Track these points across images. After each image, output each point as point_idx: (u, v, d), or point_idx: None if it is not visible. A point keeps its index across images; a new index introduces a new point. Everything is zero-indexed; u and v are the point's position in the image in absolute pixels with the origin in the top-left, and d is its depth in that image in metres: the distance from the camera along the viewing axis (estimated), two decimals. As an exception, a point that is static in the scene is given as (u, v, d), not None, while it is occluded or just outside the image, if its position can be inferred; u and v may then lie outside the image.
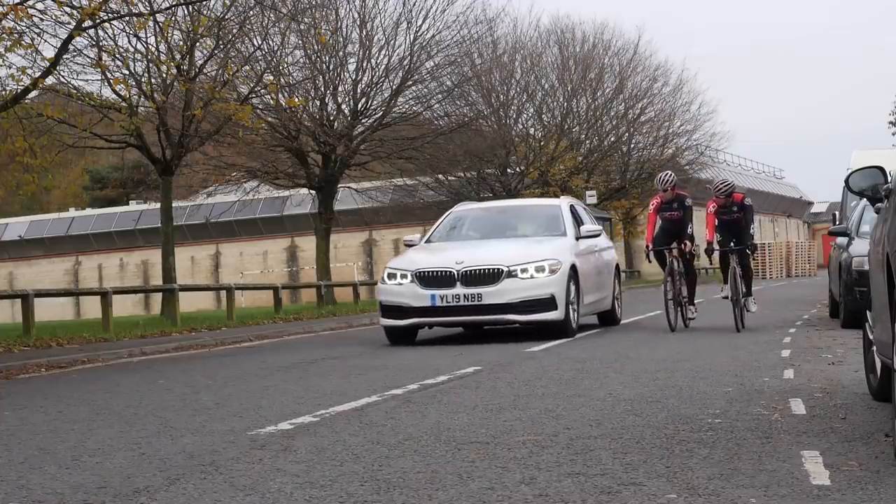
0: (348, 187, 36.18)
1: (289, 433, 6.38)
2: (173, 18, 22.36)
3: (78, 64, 21.41)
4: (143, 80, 22.71)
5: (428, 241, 15.49)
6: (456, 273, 13.79)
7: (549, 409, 7.11)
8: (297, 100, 27.52)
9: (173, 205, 26.13)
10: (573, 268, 14.37)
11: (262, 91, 27.55)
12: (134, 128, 21.96)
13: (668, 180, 15.43)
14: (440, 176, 41.55)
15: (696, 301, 15.71)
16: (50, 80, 19.24)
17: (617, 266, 17.35)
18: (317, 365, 11.43)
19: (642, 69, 48.98)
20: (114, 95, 22.36)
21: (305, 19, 28.01)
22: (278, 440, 6.12)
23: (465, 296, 13.70)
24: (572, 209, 16.28)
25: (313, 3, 29.27)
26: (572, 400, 7.54)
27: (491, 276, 13.75)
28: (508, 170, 43.93)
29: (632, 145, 49.69)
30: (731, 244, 14.98)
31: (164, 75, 23.15)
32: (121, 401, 8.61)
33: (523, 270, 13.85)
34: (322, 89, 31.24)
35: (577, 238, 15.35)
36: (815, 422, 6.30)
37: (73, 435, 6.71)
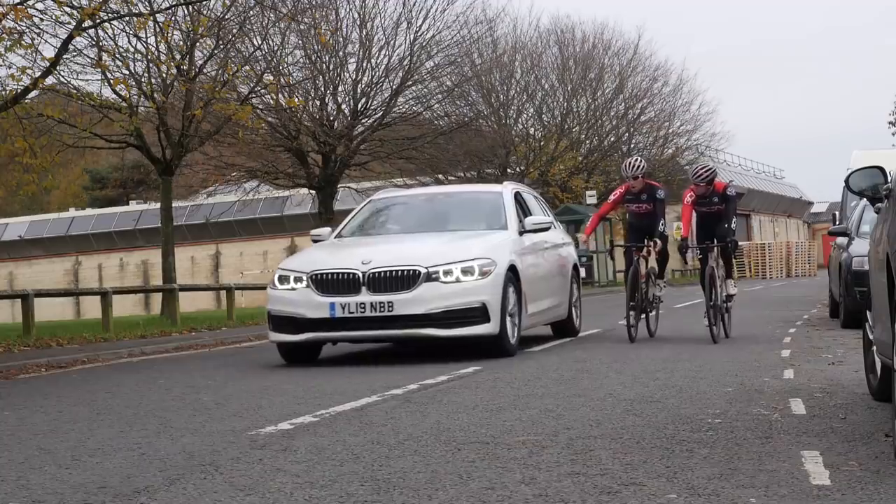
0: (348, 187, 36.18)
1: (289, 433, 6.38)
2: (173, 18, 22.35)
3: (78, 64, 21.41)
4: (143, 80, 22.70)
5: (339, 235, 12.81)
6: (361, 276, 11.02)
7: (549, 409, 7.11)
8: (297, 100, 27.51)
9: (173, 205, 26.12)
10: (513, 269, 11.64)
11: (262, 91, 27.53)
12: (134, 128, 21.97)
13: (637, 166, 13.33)
14: (440, 176, 41.51)
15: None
16: (50, 80, 19.23)
17: (575, 266, 14.70)
18: (318, 364, 11.43)
19: (642, 69, 48.98)
20: (114, 95, 22.35)
21: (305, 19, 27.98)
22: (278, 440, 6.12)
23: (372, 304, 10.93)
24: (517, 197, 13.46)
25: (313, 3, 29.26)
26: (572, 400, 7.54)
27: (405, 280, 10.99)
28: (508, 170, 43.92)
29: (632, 145, 49.65)
30: (714, 241, 13.11)
31: (164, 75, 23.14)
32: (121, 401, 8.61)
33: (447, 273, 11.07)
34: (322, 89, 31.23)
35: (521, 232, 12.61)
36: (815, 422, 6.31)
37: (73, 435, 6.71)
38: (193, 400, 8.41)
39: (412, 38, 32.34)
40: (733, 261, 13.62)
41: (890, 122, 70.19)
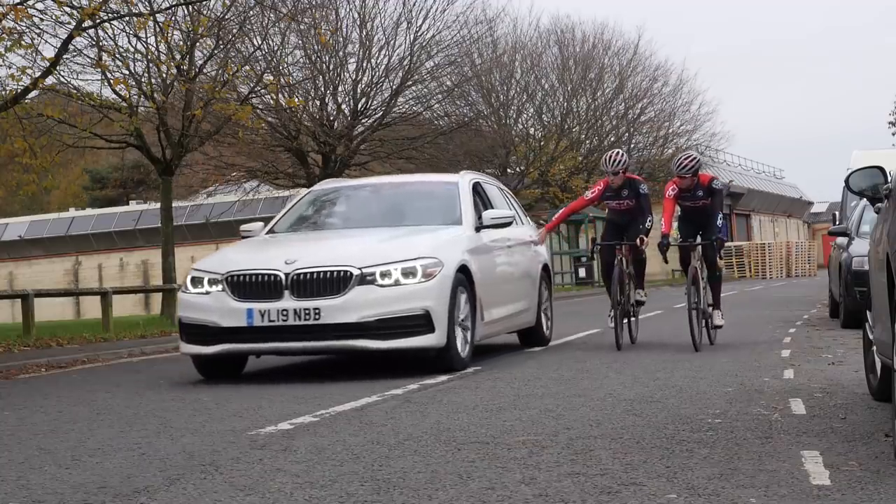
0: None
1: (289, 433, 6.38)
2: (173, 18, 22.35)
3: (78, 64, 21.41)
4: (143, 80, 22.69)
5: (271, 231, 11.40)
6: (283, 278, 9.55)
7: (549, 409, 7.11)
8: (297, 100, 27.51)
9: (173, 205, 26.12)
10: (464, 270, 10.17)
11: (262, 91, 27.52)
12: (134, 128, 21.96)
13: (618, 160, 12.21)
14: (440, 176, 41.53)
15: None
16: (50, 80, 19.23)
17: (545, 268, 13.11)
18: (317, 364, 11.43)
19: (642, 69, 48.96)
20: (114, 95, 22.34)
21: (305, 19, 27.98)
22: (278, 440, 6.12)
23: (295, 311, 9.45)
24: (476, 188, 11.97)
25: (313, 3, 29.25)
26: (572, 400, 7.54)
27: (334, 283, 9.51)
28: (508, 170, 43.93)
29: (632, 145, 49.62)
30: (697, 238, 12.03)
31: (164, 75, 23.14)
32: (121, 401, 8.61)
33: (384, 274, 9.58)
34: (322, 89, 31.23)
35: (478, 228, 11.11)
36: (815, 422, 6.31)
37: (73, 435, 6.71)
38: (193, 400, 8.41)
39: (412, 38, 32.34)
40: (719, 280, 12.33)
41: (890, 122, 70.23)
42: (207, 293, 9.85)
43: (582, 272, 45.44)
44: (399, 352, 9.75)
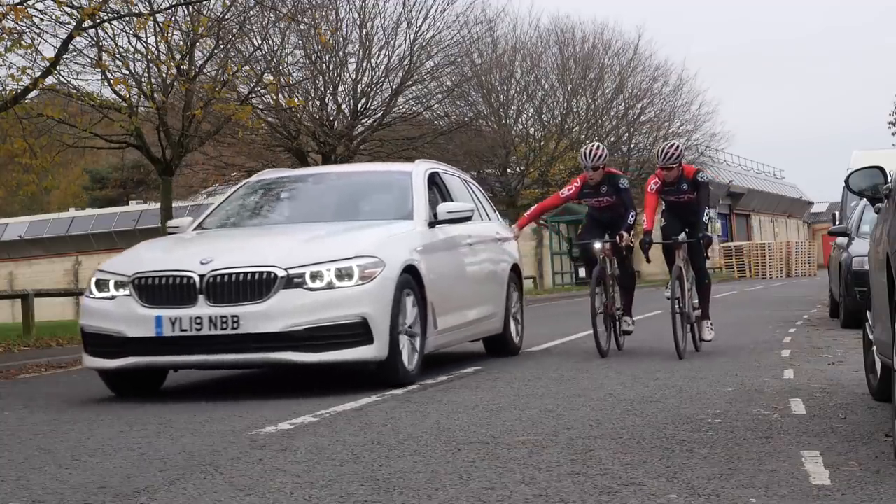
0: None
1: (289, 433, 6.38)
2: (173, 18, 22.36)
3: (78, 64, 21.42)
4: (143, 80, 22.70)
5: (200, 227, 10.15)
6: (198, 280, 8.27)
7: (549, 409, 7.11)
8: (297, 100, 27.51)
9: (173, 205, 26.12)
10: (412, 271, 8.96)
11: (262, 91, 27.53)
12: (134, 128, 21.96)
13: (598, 155, 11.23)
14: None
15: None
16: (50, 80, 19.23)
17: (515, 268, 11.77)
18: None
19: (642, 69, 48.95)
20: (114, 95, 22.35)
21: (305, 19, 27.99)
22: (278, 440, 6.12)
23: (211, 319, 8.17)
24: (434, 179, 10.74)
25: (313, 3, 29.25)
26: (572, 400, 7.54)
27: (256, 286, 8.24)
28: (508, 170, 43.94)
29: (632, 145, 49.63)
30: (683, 235, 11.11)
31: (164, 75, 23.13)
32: (121, 401, 8.61)
33: (315, 276, 8.32)
34: (322, 89, 31.24)
35: (432, 223, 9.91)
36: (815, 422, 6.31)
37: (73, 435, 6.71)
38: (193, 400, 8.41)
39: (412, 38, 32.34)
40: (708, 286, 11.39)
41: (890, 122, 70.29)
42: (112, 298, 8.58)
43: (582, 272, 45.42)
44: (332, 366, 8.60)
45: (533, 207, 12.44)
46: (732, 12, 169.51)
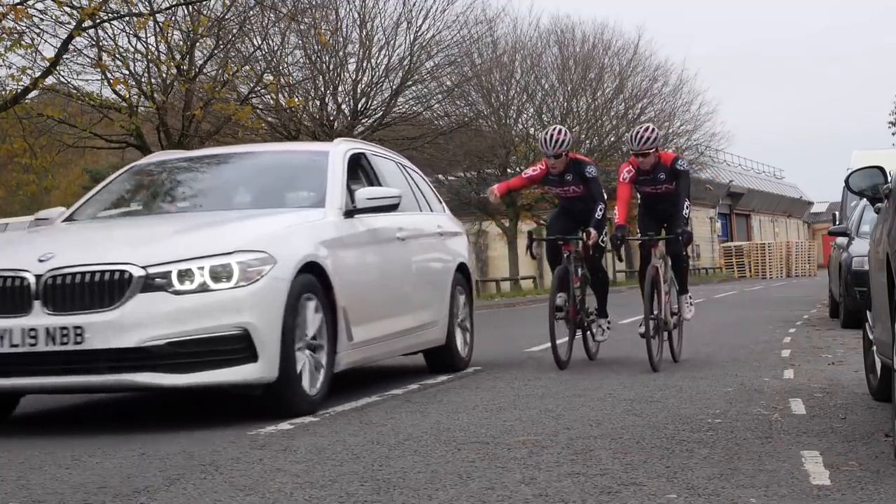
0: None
1: (289, 433, 6.38)
2: (173, 18, 22.38)
3: (78, 64, 21.47)
4: (143, 80, 22.72)
5: (70, 218, 8.43)
6: (33, 282, 6.59)
7: (549, 409, 7.11)
8: (297, 100, 27.53)
9: (173, 205, 26.10)
10: (315, 269, 7.25)
11: (262, 91, 27.56)
12: (134, 128, 21.99)
13: (559, 140, 9.89)
14: (440, 176, 41.53)
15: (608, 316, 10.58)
16: (50, 80, 19.27)
17: (461, 268, 10.04)
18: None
19: (642, 69, 48.97)
20: (114, 95, 22.38)
21: (305, 19, 28.01)
22: (278, 440, 6.12)
23: (49, 331, 6.49)
24: (359, 162, 8.97)
25: (313, 3, 29.27)
26: (572, 400, 7.54)
27: (105, 289, 6.56)
28: (508, 170, 43.94)
29: (632, 145, 49.64)
30: (662, 232, 9.99)
31: (164, 75, 23.16)
32: (121, 401, 8.61)
33: (183, 276, 6.63)
34: (322, 89, 31.25)
35: (348, 212, 8.13)
36: (815, 422, 6.31)
37: (73, 435, 6.70)
38: (194, 400, 8.41)
39: (412, 38, 32.37)
40: (686, 266, 10.35)
41: (890, 122, 70.21)
42: None
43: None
44: (206, 387, 6.78)
45: (503, 183, 10.94)
46: (732, 12, 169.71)
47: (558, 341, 9.72)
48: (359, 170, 8.90)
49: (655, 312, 9.56)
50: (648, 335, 9.35)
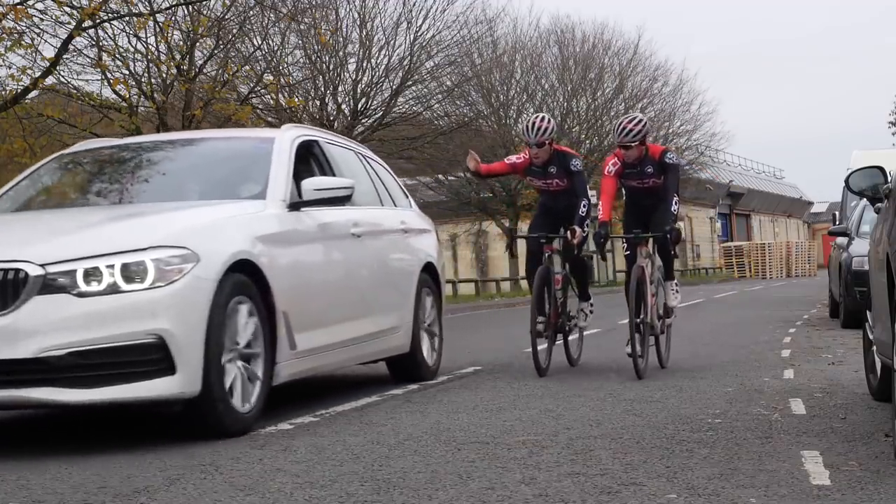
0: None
1: (289, 433, 6.38)
2: (173, 18, 22.38)
3: (78, 64, 21.47)
4: (143, 80, 22.72)
5: None
6: None
7: (549, 409, 7.11)
8: (297, 100, 27.54)
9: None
10: (249, 268, 6.42)
11: (262, 91, 27.56)
12: (134, 128, 21.98)
13: (542, 128, 9.40)
14: (440, 176, 41.58)
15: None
16: (50, 80, 19.27)
17: (429, 268, 9.26)
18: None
19: (642, 69, 48.99)
20: (114, 95, 22.38)
21: (305, 19, 28.01)
22: (278, 440, 6.12)
23: None
24: (310, 149, 8.08)
25: (313, 3, 29.28)
26: (572, 400, 7.54)
27: None
28: (508, 170, 43.95)
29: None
30: (647, 229, 9.39)
31: (164, 75, 23.16)
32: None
33: (89, 275, 5.78)
34: (322, 89, 31.26)
35: (293, 205, 7.25)
36: (815, 422, 6.31)
37: (73, 435, 6.71)
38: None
39: (412, 38, 32.38)
40: (672, 257, 9.76)
41: (890, 122, 70.20)
42: None
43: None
44: (112, 405, 5.95)
45: (486, 165, 10.03)
46: (732, 12, 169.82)
47: (539, 347, 9.29)
48: (311, 159, 8.01)
49: (641, 316, 9.01)
50: (636, 354, 8.79)
